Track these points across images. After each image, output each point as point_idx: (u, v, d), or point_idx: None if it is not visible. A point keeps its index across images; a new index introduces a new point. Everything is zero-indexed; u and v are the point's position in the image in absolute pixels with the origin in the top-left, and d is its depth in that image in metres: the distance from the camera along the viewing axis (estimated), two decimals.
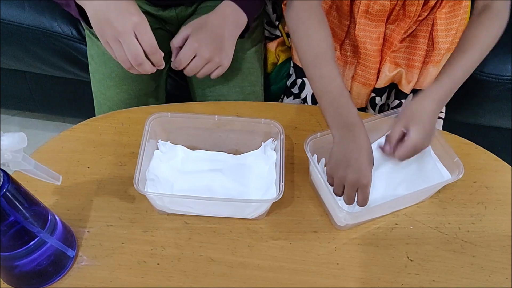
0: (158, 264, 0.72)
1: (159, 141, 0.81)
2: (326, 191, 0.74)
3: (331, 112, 0.74)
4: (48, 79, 1.33)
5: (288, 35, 1.09)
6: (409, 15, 0.91)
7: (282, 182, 0.72)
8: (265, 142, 0.81)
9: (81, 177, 0.81)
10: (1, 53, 1.22)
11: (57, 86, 1.37)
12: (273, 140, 0.80)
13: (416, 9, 0.90)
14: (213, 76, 0.89)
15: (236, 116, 0.83)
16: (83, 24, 1.05)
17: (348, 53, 0.99)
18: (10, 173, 0.58)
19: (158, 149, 0.81)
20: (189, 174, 0.80)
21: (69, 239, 0.71)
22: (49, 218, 0.66)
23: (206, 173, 0.80)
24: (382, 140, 0.80)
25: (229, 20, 0.89)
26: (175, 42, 0.88)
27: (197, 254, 0.73)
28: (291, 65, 1.07)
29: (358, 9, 0.91)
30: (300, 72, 1.04)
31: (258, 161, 0.81)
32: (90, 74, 1.01)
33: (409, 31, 0.96)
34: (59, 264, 0.70)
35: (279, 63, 1.09)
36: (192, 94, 1.04)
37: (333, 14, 0.98)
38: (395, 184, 0.80)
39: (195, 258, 0.73)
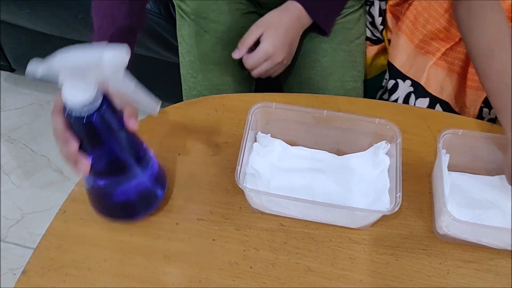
0: (251, 267, 0.66)
1: (259, 133, 0.74)
2: (439, 189, 0.66)
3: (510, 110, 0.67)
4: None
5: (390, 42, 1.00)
6: None
7: (399, 192, 0.64)
8: (376, 144, 0.72)
9: (171, 164, 0.75)
10: (86, 26, 1.18)
11: (135, 63, 1.33)
12: (386, 143, 0.71)
13: None
14: (275, 74, 0.92)
15: (338, 111, 0.75)
16: (175, 2, 1.00)
17: (456, 61, 0.90)
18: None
19: (256, 141, 0.74)
20: (286, 171, 0.74)
21: (161, 178, 0.68)
22: (144, 152, 0.63)
23: (305, 172, 0.73)
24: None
25: (300, 22, 0.90)
26: (248, 41, 0.88)
27: (293, 261, 0.67)
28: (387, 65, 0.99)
29: None
30: (395, 73, 0.95)
31: (365, 165, 0.73)
32: (180, 55, 0.96)
33: None
34: (147, 201, 0.68)
35: (375, 74, 1.01)
36: (285, 85, 0.98)
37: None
38: None
39: (291, 265, 0.66)
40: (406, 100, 0.94)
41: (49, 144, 1.48)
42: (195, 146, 0.78)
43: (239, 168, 0.65)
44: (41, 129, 1.52)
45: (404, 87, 0.94)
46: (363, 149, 0.74)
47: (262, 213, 0.71)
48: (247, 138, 0.68)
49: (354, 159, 0.74)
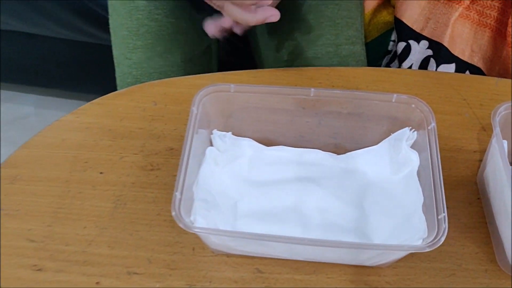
0: None
1: (214, 131, 0.50)
2: (505, 198, 0.42)
3: None
4: (62, 44, 1.05)
5: None
6: None
7: (443, 211, 0.39)
8: (395, 133, 0.48)
9: (89, 189, 0.51)
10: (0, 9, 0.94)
11: (74, 54, 1.09)
12: (411, 131, 0.47)
13: None
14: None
15: (332, 88, 0.50)
16: None
17: (489, 11, 0.69)
18: None
19: (211, 144, 0.50)
20: (262, 186, 0.49)
21: None
22: None
23: (290, 184, 0.49)
24: None
25: None
26: None
27: None
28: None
29: None
30: (406, 33, 0.75)
31: (380, 166, 0.49)
32: (111, 30, 0.72)
33: None
34: None
35: (377, 35, 0.80)
36: (258, 60, 0.74)
37: None
38: None
39: None
40: (423, 67, 0.74)
41: None
42: (125, 158, 0.53)
43: (178, 194, 0.40)
44: None
45: (420, 50, 0.74)
46: (375, 142, 0.50)
47: (228, 255, 0.46)
48: (191, 142, 0.43)
49: (363, 159, 0.50)
